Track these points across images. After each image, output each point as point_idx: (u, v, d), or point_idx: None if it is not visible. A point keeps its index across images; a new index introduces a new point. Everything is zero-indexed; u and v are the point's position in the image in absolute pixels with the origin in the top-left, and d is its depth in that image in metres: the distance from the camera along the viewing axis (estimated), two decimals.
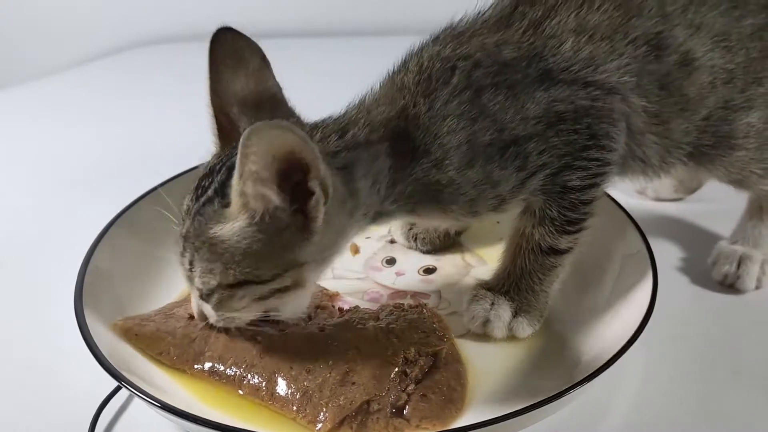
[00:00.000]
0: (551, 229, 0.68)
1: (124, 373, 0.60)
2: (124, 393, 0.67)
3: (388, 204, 0.65)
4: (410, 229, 0.85)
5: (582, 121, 0.64)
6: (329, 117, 0.65)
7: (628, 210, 0.80)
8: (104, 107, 1.38)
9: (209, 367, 0.66)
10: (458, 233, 0.87)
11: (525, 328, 0.70)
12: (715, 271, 0.81)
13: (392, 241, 0.88)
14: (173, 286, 0.78)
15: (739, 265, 0.79)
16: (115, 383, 0.61)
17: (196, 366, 0.66)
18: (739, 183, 0.76)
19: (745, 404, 0.66)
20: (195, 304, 0.65)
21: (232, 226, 0.58)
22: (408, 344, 0.66)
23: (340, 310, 0.73)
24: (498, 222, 0.82)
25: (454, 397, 0.63)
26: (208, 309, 0.63)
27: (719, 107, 0.69)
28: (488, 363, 0.68)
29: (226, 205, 0.58)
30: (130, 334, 0.69)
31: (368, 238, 0.87)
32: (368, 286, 0.80)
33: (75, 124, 1.30)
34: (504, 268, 0.72)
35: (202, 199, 0.60)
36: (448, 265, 0.84)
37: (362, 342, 0.66)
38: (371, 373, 0.63)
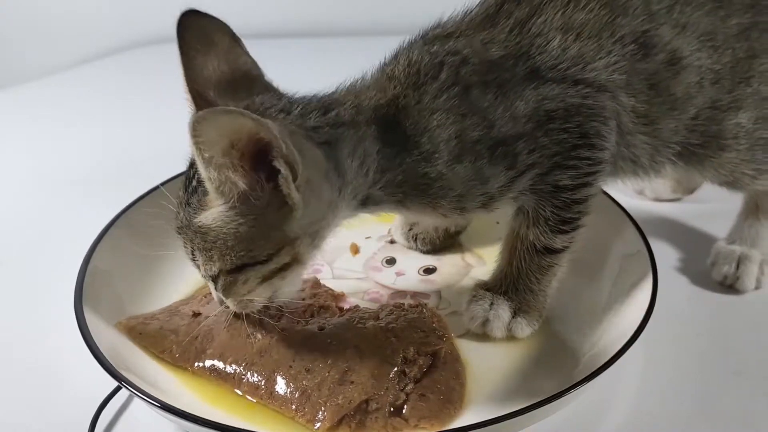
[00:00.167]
0: (545, 229, 0.68)
1: (124, 373, 0.60)
2: (124, 393, 0.67)
3: (376, 189, 0.65)
4: (410, 229, 0.85)
5: (572, 119, 0.64)
6: (314, 95, 0.65)
7: (627, 210, 0.80)
8: (104, 107, 1.37)
9: (210, 365, 0.66)
10: (458, 233, 0.87)
11: (524, 328, 0.70)
12: (714, 272, 0.81)
13: (392, 241, 0.88)
14: (173, 286, 0.78)
15: (738, 266, 0.79)
16: (115, 383, 0.61)
17: (197, 364, 0.66)
18: (731, 185, 0.76)
19: (745, 404, 0.66)
20: (214, 292, 0.65)
21: (213, 212, 0.58)
22: (407, 344, 0.66)
23: (340, 309, 0.73)
24: (498, 222, 0.82)
25: (452, 396, 0.63)
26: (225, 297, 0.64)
27: (707, 107, 0.69)
28: (488, 363, 0.68)
29: (206, 192, 0.59)
30: (134, 333, 0.69)
31: (368, 238, 0.87)
32: (368, 286, 0.80)
33: (75, 124, 1.30)
34: (501, 269, 0.72)
35: (189, 190, 0.61)
36: (448, 265, 0.84)
37: (361, 341, 0.66)
38: (370, 373, 0.63)
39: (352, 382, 0.62)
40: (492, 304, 0.70)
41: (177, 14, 0.64)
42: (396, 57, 0.67)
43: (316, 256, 0.65)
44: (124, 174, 1.08)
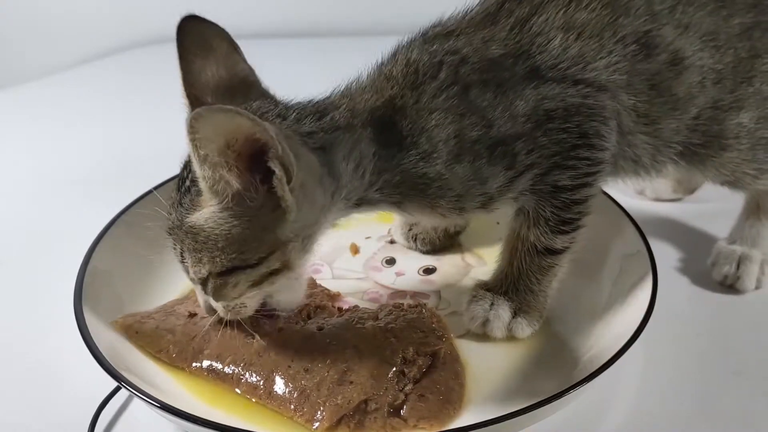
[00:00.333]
0: (546, 229, 0.67)
1: (124, 373, 0.60)
2: (124, 393, 0.67)
3: (372, 191, 0.65)
4: (410, 229, 0.85)
5: (572, 119, 0.64)
6: (310, 100, 0.65)
7: (627, 210, 0.80)
8: (104, 107, 1.37)
9: (207, 365, 0.66)
10: (458, 233, 0.87)
11: (524, 329, 0.70)
12: (714, 272, 0.81)
13: (392, 242, 0.88)
14: (172, 286, 0.78)
15: (738, 266, 0.79)
16: (114, 383, 0.61)
17: (194, 364, 0.66)
18: (732, 184, 0.76)
19: (745, 404, 0.66)
20: (201, 298, 0.65)
21: (205, 213, 0.58)
22: (407, 344, 0.66)
23: (339, 309, 0.73)
24: (498, 222, 0.82)
25: (451, 397, 0.63)
26: (215, 303, 0.64)
27: (709, 107, 0.69)
28: (488, 363, 0.68)
29: (199, 192, 0.59)
30: (131, 332, 0.69)
31: (368, 238, 0.87)
32: (368, 286, 0.80)
33: (75, 124, 1.30)
34: (502, 270, 0.72)
35: (182, 190, 0.61)
36: (448, 265, 0.84)
37: (361, 341, 0.66)
38: (369, 373, 0.63)
39: (351, 382, 0.62)
40: (492, 304, 0.70)
41: (177, 14, 0.65)
42: (394, 56, 0.67)
43: (306, 262, 0.65)
44: (124, 174, 1.08)
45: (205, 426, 0.56)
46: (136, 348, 0.68)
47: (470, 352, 0.70)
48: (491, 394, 0.65)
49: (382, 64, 0.67)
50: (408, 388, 0.63)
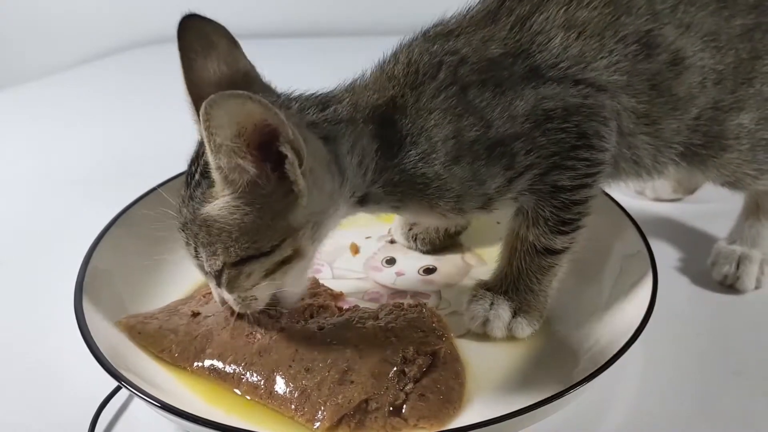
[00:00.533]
0: (545, 229, 0.67)
1: (124, 373, 0.60)
2: (124, 393, 0.67)
3: (375, 188, 0.65)
4: (410, 229, 0.85)
5: (571, 119, 0.64)
6: (312, 93, 0.65)
7: (627, 210, 0.80)
8: (104, 107, 1.38)
9: (209, 365, 0.66)
10: (458, 233, 0.87)
11: (524, 328, 0.70)
12: (714, 272, 0.81)
13: (392, 241, 0.88)
14: (173, 286, 0.78)
15: (738, 266, 0.79)
16: (115, 383, 0.61)
17: (196, 364, 0.66)
18: (733, 185, 0.76)
19: (745, 404, 0.66)
20: (215, 292, 0.66)
21: (219, 203, 0.59)
22: (407, 343, 0.66)
23: (340, 309, 0.73)
24: (498, 222, 0.82)
25: (452, 396, 0.63)
26: (228, 295, 0.64)
27: (709, 107, 0.69)
28: (488, 363, 0.68)
29: (212, 184, 0.59)
30: (134, 332, 0.69)
31: (368, 238, 0.87)
32: (368, 286, 0.80)
33: (75, 124, 1.30)
34: (501, 269, 0.72)
35: (192, 185, 0.61)
36: (448, 265, 0.84)
37: (361, 341, 0.66)
38: (370, 372, 0.63)
39: (351, 382, 0.62)
40: (492, 303, 0.70)
41: (176, 14, 0.65)
42: (396, 56, 0.67)
43: (316, 251, 0.65)
44: (124, 174, 1.08)
45: (205, 426, 0.56)
46: (138, 348, 0.68)
47: (470, 351, 0.70)
48: (491, 394, 0.65)
49: (384, 63, 0.67)
50: (408, 387, 0.63)
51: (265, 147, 0.56)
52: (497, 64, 0.64)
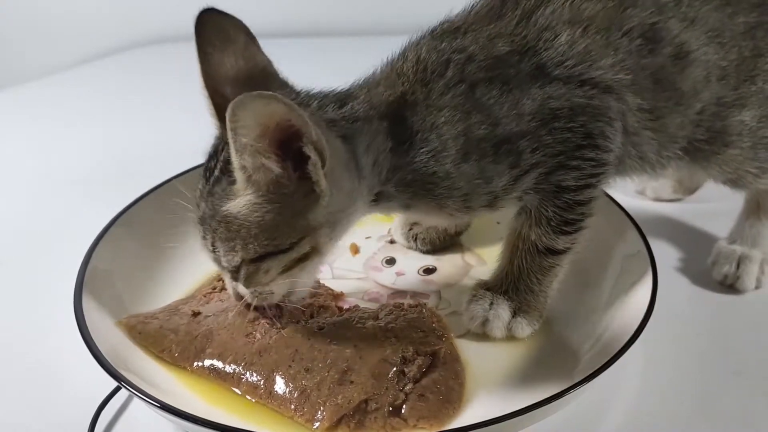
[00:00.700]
0: (547, 229, 0.67)
1: (124, 373, 0.60)
2: (124, 393, 0.67)
3: (389, 186, 0.65)
4: (410, 229, 0.85)
5: (577, 119, 0.64)
6: (330, 90, 0.66)
7: (628, 210, 0.80)
8: (104, 107, 1.38)
9: (209, 365, 0.66)
10: (458, 233, 0.87)
11: (524, 328, 0.70)
12: (714, 272, 0.81)
13: (392, 241, 0.88)
14: (173, 286, 0.78)
15: (738, 265, 0.79)
16: (115, 383, 0.61)
17: (196, 363, 0.66)
18: (734, 183, 0.76)
19: (745, 404, 0.66)
20: (230, 286, 0.66)
21: (241, 201, 0.59)
22: (407, 343, 0.66)
23: (340, 309, 0.73)
24: (498, 222, 0.82)
25: (451, 396, 0.63)
26: (242, 289, 0.64)
27: (712, 103, 0.69)
28: (488, 363, 0.68)
29: (233, 182, 0.59)
30: (134, 332, 0.69)
31: (368, 238, 0.87)
32: (368, 286, 0.80)
33: (75, 124, 1.30)
34: (502, 269, 0.72)
35: (211, 180, 0.61)
36: (448, 265, 0.84)
37: (361, 341, 0.66)
38: (370, 372, 0.63)
39: (351, 382, 0.62)
40: (492, 303, 0.70)
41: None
42: (404, 54, 0.67)
43: (335, 248, 0.66)
44: (124, 174, 1.08)
45: (205, 426, 0.56)
46: (138, 348, 0.68)
47: (470, 351, 0.70)
48: (491, 393, 0.65)
49: (393, 61, 0.67)
50: (408, 387, 0.63)
51: (285, 145, 0.56)
52: (504, 62, 0.64)
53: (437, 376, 0.65)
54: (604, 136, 0.65)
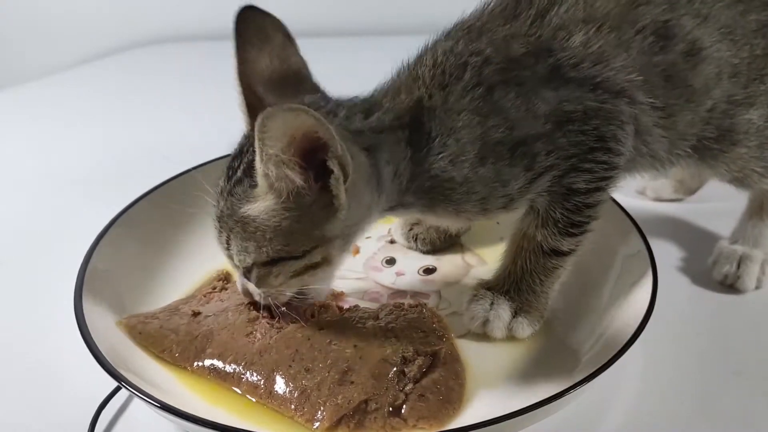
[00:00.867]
0: (554, 230, 0.67)
1: (124, 373, 0.60)
2: (124, 393, 0.67)
3: (408, 195, 0.65)
4: (410, 229, 0.85)
5: (590, 122, 0.64)
6: (356, 96, 0.66)
7: (628, 210, 0.80)
8: (104, 107, 1.38)
9: (209, 365, 0.66)
10: (458, 234, 0.86)
11: (525, 329, 0.70)
12: (715, 271, 0.81)
13: (392, 241, 0.88)
14: (173, 286, 0.78)
15: (739, 265, 0.79)
16: (115, 383, 0.61)
17: (196, 363, 0.66)
18: (740, 181, 0.76)
19: (745, 404, 0.66)
20: (239, 282, 0.67)
21: (260, 205, 0.59)
22: (407, 344, 0.66)
23: (340, 309, 0.73)
24: (498, 222, 0.82)
25: (451, 397, 0.63)
26: (252, 286, 0.65)
27: (723, 101, 0.69)
28: (488, 363, 0.68)
29: (254, 185, 0.59)
30: (134, 332, 0.69)
31: (368, 238, 0.87)
32: (368, 286, 0.80)
33: (75, 124, 1.30)
34: (505, 268, 0.72)
35: (233, 180, 0.62)
36: (448, 265, 0.84)
37: (361, 341, 0.66)
38: (370, 372, 0.63)
39: (351, 382, 0.62)
40: (492, 303, 0.70)
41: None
42: (421, 57, 0.67)
43: (345, 257, 0.66)
44: (124, 174, 1.08)
45: (205, 426, 0.56)
46: (138, 348, 0.68)
47: (470, 352, 0.70)
48: (491, 394, 0.65)
49: (410, 64, 0.67)
50: (408, 387, 0.63)
51: (309, 155, 0.56)
52: (520, 64, 0.64)
53: (437, 376, 0.65)
54: (616, 140, 0.65)
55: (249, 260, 0.62)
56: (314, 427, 0.60)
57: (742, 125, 0.70)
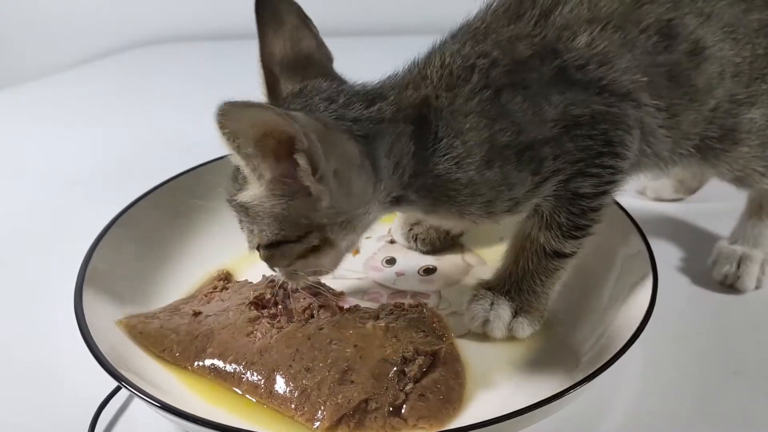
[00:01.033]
0: (557, 233, 0.67)
1: (124, 373, 0.60)
2: (124, 393, 0.67)
3: (410, 191, 0.65)
4: (410, 229, 0.85)
5: (598, 126, 0.64)
6: (362, 84, 0.66)
7: (628, 210, 0.80)
8: (104, 107, 1.38)
9: (210, 364, 0.66)
10: (459, 235, 0.86)
11: (525, 329, 0.70)
12: (715, 271, 0.81)
13: (392, 241, 0.88)
14: (173, 286, 0.78)
15: (739, 265, 0.79)
16: (115, 383, 0.61)
17: (197, 363, 0.66)
18: (741, 181, 0.76)
19: (745, 404, 0.66)
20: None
21: (248, 193, 0.61)
22: (407, 343, 0.66)
23: (340, 308, 0.73)
24: (498, 222, 0.82)
25: (451, 396, 0.63)
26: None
27: (726, 100, 0.69)
28: (488, 363, 0.68)
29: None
30: (134, 332, 0.69)
31: (368, 238, 0.87)
32: (368, 286, 0.80)
33: (75, 124, 1.30)
34: (506, 268, 0.72)
35: (236, 166, 0.62)
36: (448, 265, 0.84)
37: (361, 341, 0.66)
38: (370, 372, 0.63)
39: (352, 382, 0.62)
40: (492, 304, 0.70)
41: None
42: (429, 57, 0.67)
43: (352, 241, 0.66)
44: (124, 174, 1.08)
45: (205, 426, 0.56)
46: (138, 348, 0.68)
47: (470, 352, 0.70)
48: (491, 394, 0.65)
49: (418, 63, 0.67)
50: (408, 387, 0.63)
51: (291, 147, 0.57)
52: (526, 66, 0.63)
53: (437, 376, 0.65)
54: (623, 144, 0.65)
55: (255, 242, 0.64)
56: (314, 426, 0.60)
57: (745, 124, 0.70)
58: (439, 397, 0.63)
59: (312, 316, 0.70)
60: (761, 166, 0.74)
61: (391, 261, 0.85)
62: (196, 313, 0.71)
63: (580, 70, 0.63)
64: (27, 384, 0.70)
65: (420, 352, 0.66)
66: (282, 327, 0.68)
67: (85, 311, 0.66)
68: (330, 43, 0.69)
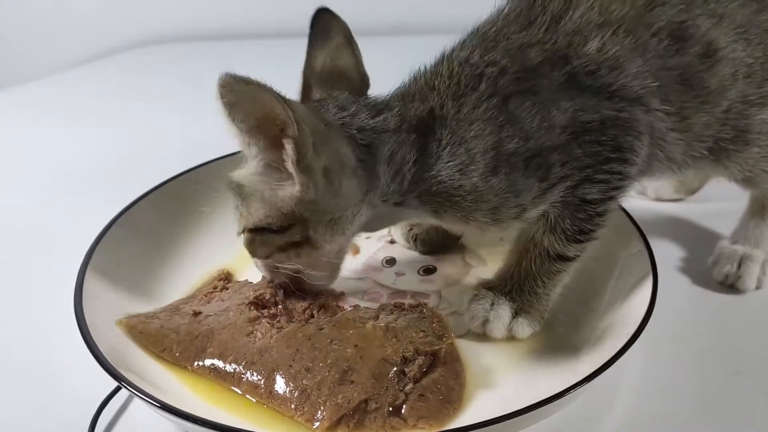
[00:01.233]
0: (562, 237, 0.67)
1: (124, 373, 0.60)
2: (124, 393, 0.67)
3: (411, 197, 0.66)
4: (410, 230, 0.85)
5: (608, 132, 0.64)
6: (374, 97, 0.68)
7: (628, 210, 0.80)
8: (104, 107, 1.38)
9: (210, 364, 0.66)
10: (459, 236, 0.86)
11: (525, 329, 0.70)
12: (715, 271, 0.81)
13: (392, 241, 0.88)
14: (173, 286, 0.78)
15: (739, 265, 0.79)
16: (115, 383, 0.61)
17: (197, 363, 0.66)
18: (749, 181, 0.76)
19: (745, 404, 0.66)
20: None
21: (242, 171, 0.63)
22: (407, 343, 0.66)
23: (340, 309, 0.73)
24: (501, 239, 0.82)
25: (451, 396, 0.63)
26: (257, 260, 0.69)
27: (738, 101, 0.69)
28: (488, 363, 0.68)
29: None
30: (134, 332, 0.69)
31: (368, 238, 0.87)
32: (368, 286, 0.80)
33: (75, 124, 1.30)
34: (508, 269, 0.72)
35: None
36: (448, 265, 0.84)
37: (362, 341, 0.66)
38: (370, 372, 0.63)
39: (352, 382, 0.62)
40: (493, 304, 0.70)
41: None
42: (437, 66, 0.67)
43: (334, 245, 0.67)
44: (124, 174, 1.08)
45: (205, 426, 0.56)
46: (138, 348, 0.68)
47: (470, 352, 0.70)
48: (491, 393, 0.65)
49: (426, 72, 0.68)
50: (408, 387, 0.63)
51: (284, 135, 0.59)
52: (536, 72, 0.63)
53: (437, 376, 0.65)
54: (632, 150, 0.65)
55: (242, 223, 0.66)
56: (314, 426, 0.60)
57: (756, 125, 0.70)
58: (439, 397, 0.63)
59: (312, 316, 0.70)
60: None
61: (391, 261, 0.85)
62: (196, 313, 0.71)
63: (590, 75, 0.63)
64: (27, 384, 0.70)
65: (420, 352, 0.66)
66: (282, 327, 0.68)
67: (85, 311, 0.66)
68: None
